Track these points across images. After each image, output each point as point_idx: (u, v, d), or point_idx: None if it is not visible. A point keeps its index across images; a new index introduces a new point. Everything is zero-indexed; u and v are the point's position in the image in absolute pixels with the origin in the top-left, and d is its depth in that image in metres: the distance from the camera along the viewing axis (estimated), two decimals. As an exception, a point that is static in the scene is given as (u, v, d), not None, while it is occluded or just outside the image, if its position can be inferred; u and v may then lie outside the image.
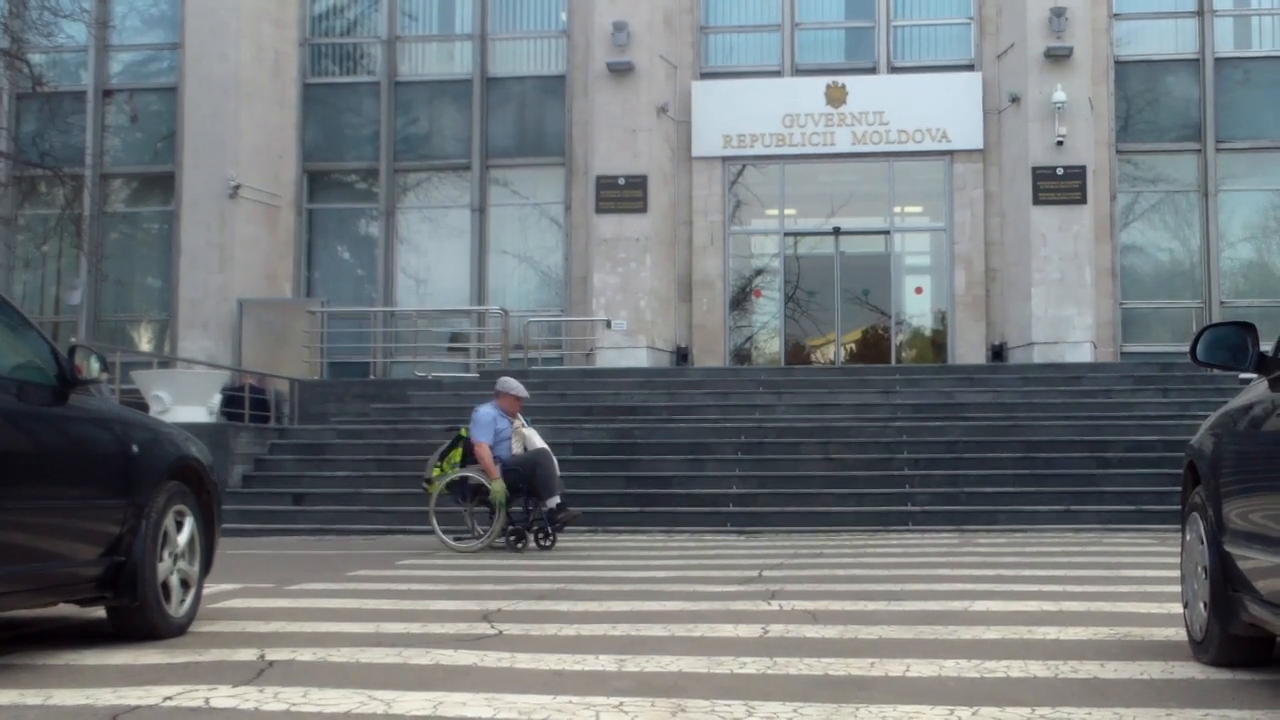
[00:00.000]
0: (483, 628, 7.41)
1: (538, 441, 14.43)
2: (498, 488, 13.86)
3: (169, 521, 7.22)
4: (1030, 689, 5.44)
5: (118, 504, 6.84)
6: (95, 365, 6.99)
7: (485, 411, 14.30)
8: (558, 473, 14.13)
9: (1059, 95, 24.84)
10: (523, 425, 14.53)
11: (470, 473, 14.10)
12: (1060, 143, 24.97)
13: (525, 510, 14.11)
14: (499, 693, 5.38)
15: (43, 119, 25.68)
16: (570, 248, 27.45)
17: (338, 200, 28.93)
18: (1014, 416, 20.38)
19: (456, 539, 14.26)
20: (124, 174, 28.85)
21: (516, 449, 14.23)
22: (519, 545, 13.89)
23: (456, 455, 14.27)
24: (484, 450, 14.01)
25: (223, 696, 5.33)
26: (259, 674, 5.87)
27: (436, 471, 14.31)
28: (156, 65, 28.80)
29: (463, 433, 14.38)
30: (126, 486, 6.91)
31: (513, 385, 14.70)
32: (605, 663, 6.12)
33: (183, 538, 7.38)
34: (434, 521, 14.33)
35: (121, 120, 28.38)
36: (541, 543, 14.00)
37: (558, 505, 13.95)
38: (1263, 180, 27.01)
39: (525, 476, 13.96)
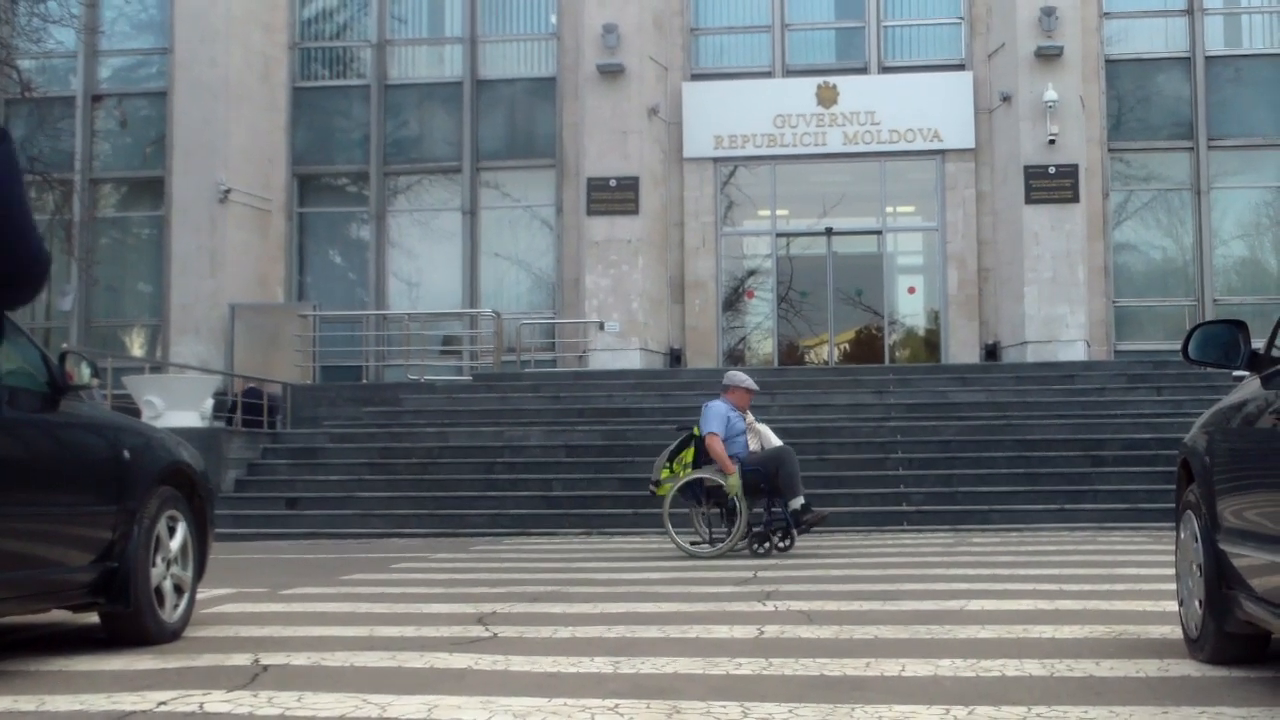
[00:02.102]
0: (477, 630, 7.39)
1: (773, 439, 13.74)
2: (733, 482, 12.98)
3: (162, 527, 7.20)
4: (1026, 688, 5.43)
5: (110, 510, 6.82)
6: (86, 371, 6.97)
7: (717, 406, 13.44)
8: (800, 471, 13.38)
9: (1050, 94, 24.86)
10: (755, 421, 13.82)
11: (706, 473, 13.21)
12: (1052, 141, 24.98)
13: (767, 511, 13.21)
14: (494, 695, 5.37)
15: (32, 124, 25.64)
16: (562, 250, 27.44)
17: (328, 204, 28.92)
18: (1008, 415, 20.39)
19: (693, 544, 13.36)
20: (114, 179, 28.83)
21: (754, 446, 13.47)
22: (762, 548, 13.02)
23: (688, 455, 13.36)
24: (717, 442, 13.11)
25: (217, 701, 5.31)
26: (253, 679, 5.85)
27: (665, 473, 13.42)
28: (146, 70, 28.76)
29: (695, 431, 13.43)
30: (119, 492, 6.89)
31: (742, 378, 13.85)
32: (600, 664, 6.10)
33: (175, 543, 7.36)
34: (669, 526, 13.41)
35: (111, 125, 28.34)
36: (779, 544, 13.11)
37: (803, 505, 13.14)
38: (1254, 178, 27.05)
39: (766, 475, 13.10)
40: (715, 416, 13.30)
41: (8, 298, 3.92)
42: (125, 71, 28.98)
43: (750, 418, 13.74)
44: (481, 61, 28.24)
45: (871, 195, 27.28)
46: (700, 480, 13.24)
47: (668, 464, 13.44)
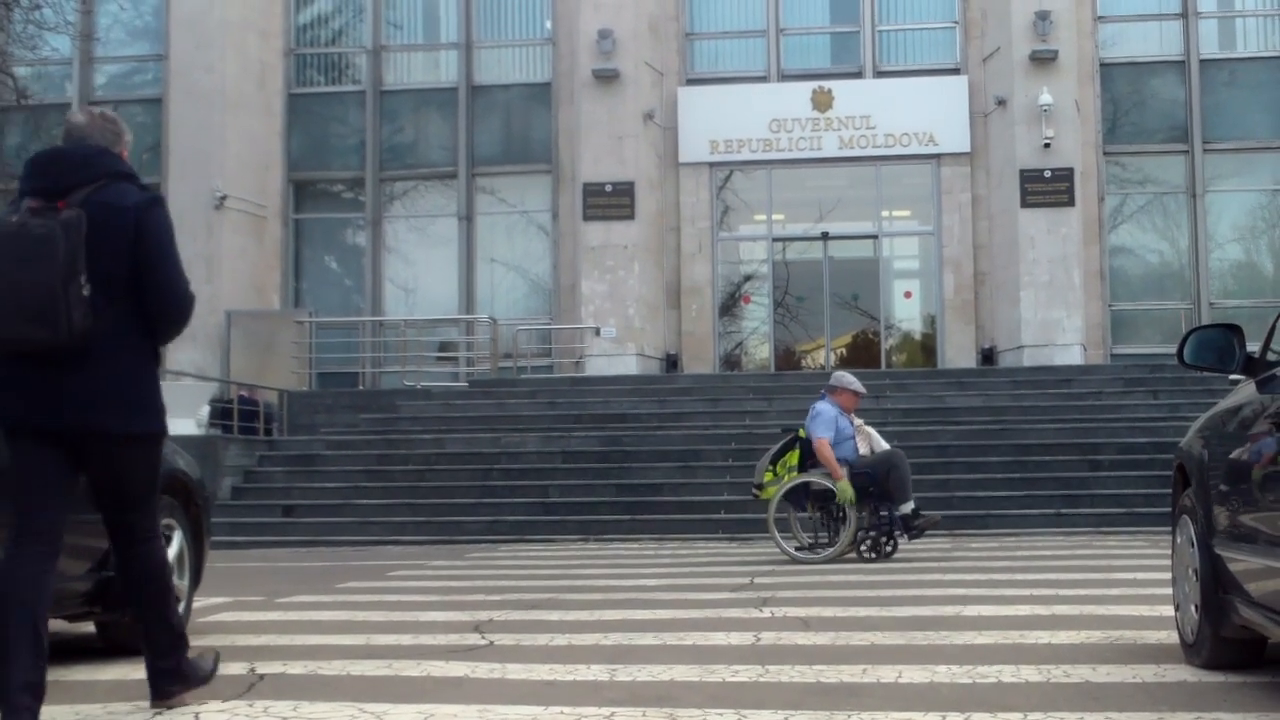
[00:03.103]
0: (474, 638, 7.39)
1: (882, 442, 13.53)
2: (844, 487, 12.73)
3: (158, 535, 7.18)
4: (1023, 694, 5.43)
5: (106, 518, 6.80)
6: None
7: (826, 408, 13.19)
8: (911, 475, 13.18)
9: (1045, 98, 24.87)
10: (864, 424, 13.62)
11: (813, 477, 13.00)
12: (1047, 145, 24.99)
13: (877, 516, 13.02)
14: (490, 704, 5.37)
15: (27, 132, 25.60)
16: (558, 255, 27.43)
17: (324, 210, 28.92)
18: (1004, 420, 20.39)
19: (797, 549, 13.15)
20: (110, 186, 28.76)
21: (863, 450, 13.23)
22: (873, 553, 12.87)
23: (793, 458, 13.12)
24: (827, 448, 12.87)
25: (213, 711, 5.31)
26: (249, 688, 5.85)
27: (769, 476, 13.19)
28: (141, 77, 28.76)
29: (800, 433, 13.23)
30: (114, 501, 6.87)
31: (850, 380, 13.59)
32: (597, 672, 6.10)
33: (172, 552, 7.34)
34: (774, 532, 13.10)
35: (106, 132, 28.28)
36: (884, 549, 12.95)
37: (913, 510, 12.96)
38: (1250, 181, 27.07)
39: (876, 479, 12.91)
40: (825, 420, 13.08)
41: (163, 332, 5.29)
42: (121, 78, 28.98)
43: (858, 420, 13.56)
44: (477, 67, 28.24)
45: (867, 200, 27.29)
46: (807, 484, 13.06)
47: (771, 467, 13.22)
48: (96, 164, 5.21)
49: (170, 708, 5.33)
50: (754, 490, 13.49)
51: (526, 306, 28.01)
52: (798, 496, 13.16)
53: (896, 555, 12.96)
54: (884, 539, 12.96)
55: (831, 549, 12.88)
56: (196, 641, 7.38)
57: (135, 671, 6.36)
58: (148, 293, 5.14)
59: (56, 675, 6.31)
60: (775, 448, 13.38)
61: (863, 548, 12.90)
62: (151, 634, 5.30)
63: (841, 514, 12.95)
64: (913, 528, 12.95)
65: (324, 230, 28.88)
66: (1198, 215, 26.54)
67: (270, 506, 19.22)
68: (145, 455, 5.34)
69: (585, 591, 10.22)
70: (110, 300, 5.02)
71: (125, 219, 5.08)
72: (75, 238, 4.91)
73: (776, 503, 13.10)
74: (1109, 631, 7.16)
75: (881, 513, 12.98)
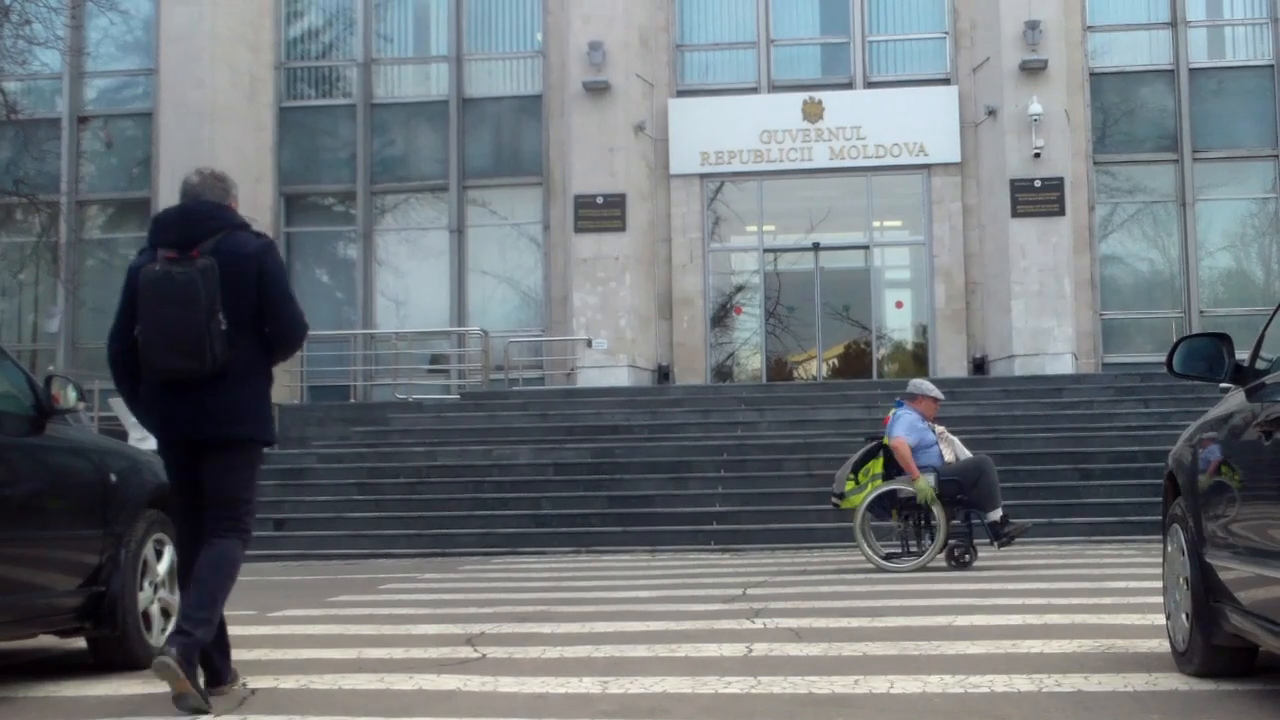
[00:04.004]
0: (466, 651, 7.38)
1: (964, 449, 13.42)
2: (923, 486, 12.72)
3: (149, 550, 7.20)
4: (1015, 704, 5.43)
5: (96, 534, 6.81)
6: (72, 394, 6.96)
7: (907, 414, 13.16)
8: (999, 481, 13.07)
9: (1035, 107, 24.91)
10: (945, 431, 13.56)
11: (901, 484, 12.95)
12: (1037, 155, 25.03)
13: (967, 523, 12.91)
14: (482, 717, 5.37)
15: (17, 146, 25.59)
16: (549, 267, 27.43)
17: (315, 223, 28.90)
18: (996, 429, 20.39)
19: (885, 557, 13.02)
20: (100, 200, 28.78)
21: (948, 456, 13.14)
22: (964, 561, 12.75)
23: (876, 466, 13.01)
24: (904, 446, 12.83)
25: (204, 726, 5.30)
26: (241, 702, 5.84)
27: (850, 484, 13.07)
28: (131, 91, 28.74)
29: (885, 440, 13.09)
30: (105, 516, 6.88)
31: (929, 387, 13.62)
32: (589, 685, 6.10)
33: (163, 566, 7.35)
34: (862, 540, 12.98)
35: (97, 146, 28.29)
36: (963, 558, 12.80)
37: (1002, 517, 12.88)
38: (1240, 189, 27.11)
39: (965, 486, 12.83)
40: (904, 423, 13.05)
41: (282, 355, 6.27)
42: (111, 93, 28.96)
43: (941, 428, 13.50)
44: (467, 80, 28.25)
45: (858, 210, 27.30)
46: (893, 492, 12.99)
47: (852, 475, 13.12)
48: (218, 218, 6.16)
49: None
50: (833, 499, 13.36)
51: (518, 318, 28.00)
52: (880, 504, 13.06)
53: (929, 565, 12.83)
54: (966, 548, 12.88)
55: (922, 556, 12.80)
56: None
57: (126, 687, 6.36)
58: (271, 323, 6.14)
59: (47, 691, 6.31)
60: (856, 456, 13.25)
61: (954, 555, 12.82)
62: (196, 613, 5.78)
63: (927, 522, 12.91)
64: (1002, 535, 12.88)
65: (315, 243, 28.86)
66: (1188, 224, 26.58)
67: (261, 520, 19.07)
68: (256, 457, 6.36)
69: (577, 603, 10.21)
70: (240, 332, 6.01)
71: (249, 264, 6.05)
72: (212, 282, 5.91)
73: (864, 511, 12.99)
74: (1101, 640, 7.16)
75: (974, 520, 12.92)
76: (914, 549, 13.02)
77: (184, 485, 6.22)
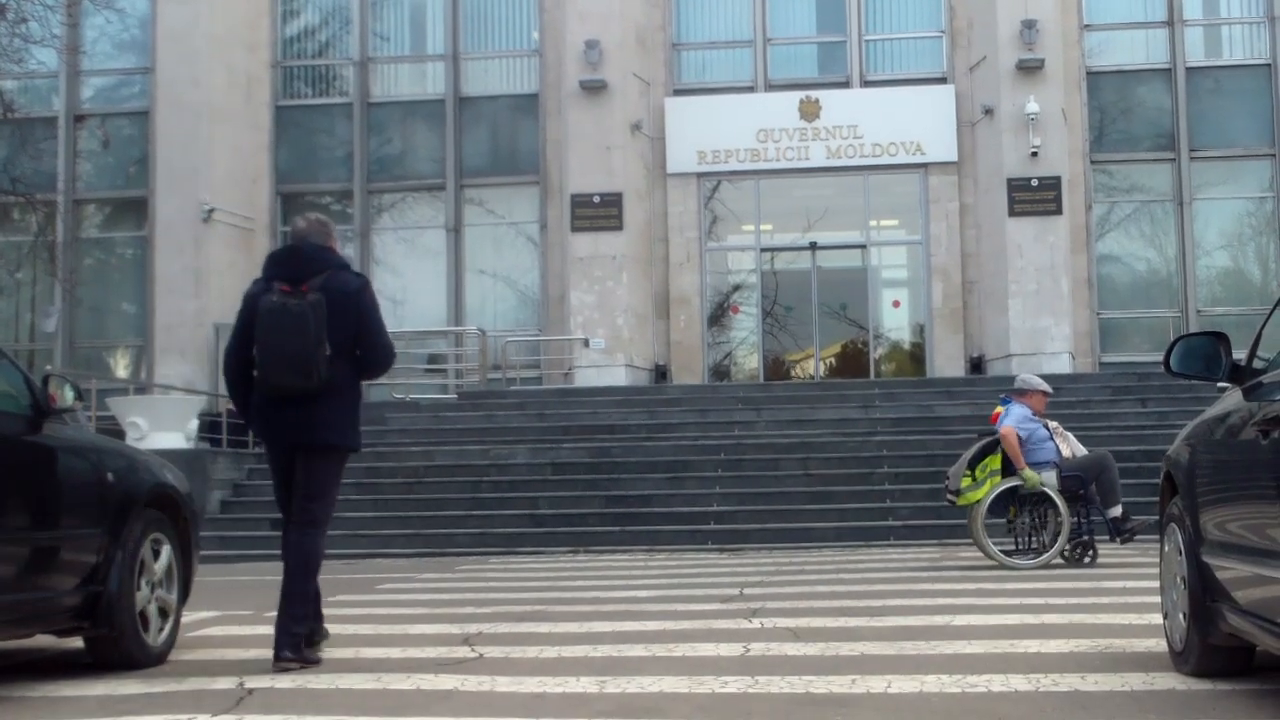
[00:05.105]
0: (463, 651, 7.38)
1: (1079, 445, 13.32)
2: (1029, 475, 12.65)
3: (146, 550, 7.19)
4: (1012, 703, 5.44)
5: (94, 533, 6.80)
6: (69, 394, 6.96)
7: (1020, 409, 13.12)
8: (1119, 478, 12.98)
9: (1032, 106, 24.91)
10: (1060, 426, 13.45)
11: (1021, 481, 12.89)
12: (1034, 154, 25.03)
13: (1087, 520, 12.84)
14: (480, 717, 5.37)
15: (14, 145, 25.53)
16: (546, 266, 27.42)
17: (312, 222, 28.84)
18: (993, 429, 20.37)
19: (1006, 553, 12.88)
20: (97, 199, 28.76)
21: (1065, 452, 13.04)
22: (1085, 558, 12.71)
23: (994, 462, 12.91)
24: (1012, 435, 12.75)
25: (201, 726, 5.30)
26: (238, 702, 5.84)
27: (967, 480, 12.95)
28: (128, 90, 28.71)
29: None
30: (103, 515, 6.88)
31: (1038, 381, 13.51)
32: (586, 684, 6.10)
33: (160, 566, 7.35)
34: (983, 538, 12.98)
35: (94, 146, 28.25)
36: (1082, 558, 12.77)
37: (1123, 513, 12.75)
38: (1237, 188, 27.12)
39: (1086, 482, 12.74)
40: (1015, 415, 12.98)
41: (372, 377, 7.57)
42: (107, 91, 28.93)
43: (1055, 424, 13.40)
44: (464, 78, 28.24)
45: (855, 209, 27.30)
46: (1015, 488, 12.90)
47: (969, 471, 13.01)
48: (324, 258, 7.30)
49: (284, 670, 6.71)
50: (949, 496, 13.28)
51: (515, 318, 28.00)
52: (999, 501, 12.97)
53: (883, 564, 12.90)
54: (1085, 546, 12.80)
55: (1045, 554, 12.69)
56: (185, 656, 7.40)
57: (123, 686, 6.36)
58: (364, 350, 7.29)
59: (45, 691, 6.31)
60: (971, 451, 13.14)
61: (1075, 552, 12.74)
62: (291, 600, 7.12)
63: (1044, 519, 12.84)
64: (1123, 531, 12.77)
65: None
66: (1185, 223, 26.59)
67: (259, 520, 19.13)
68: (339, 461, 7.38)
69: (574, 603, 10.21)
70: (338, 356, 7.09)
71: (350, 301, 7.17)
72: (320, 314, 7.00)
73: (985, 508, 12.90)
74: (1098, 640, 7.16)
75: (1093, 517, 12.84)
76: (1034, 545, 12.93)
77: (285, 483, 7.35)
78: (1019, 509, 13.03)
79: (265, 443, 7.46)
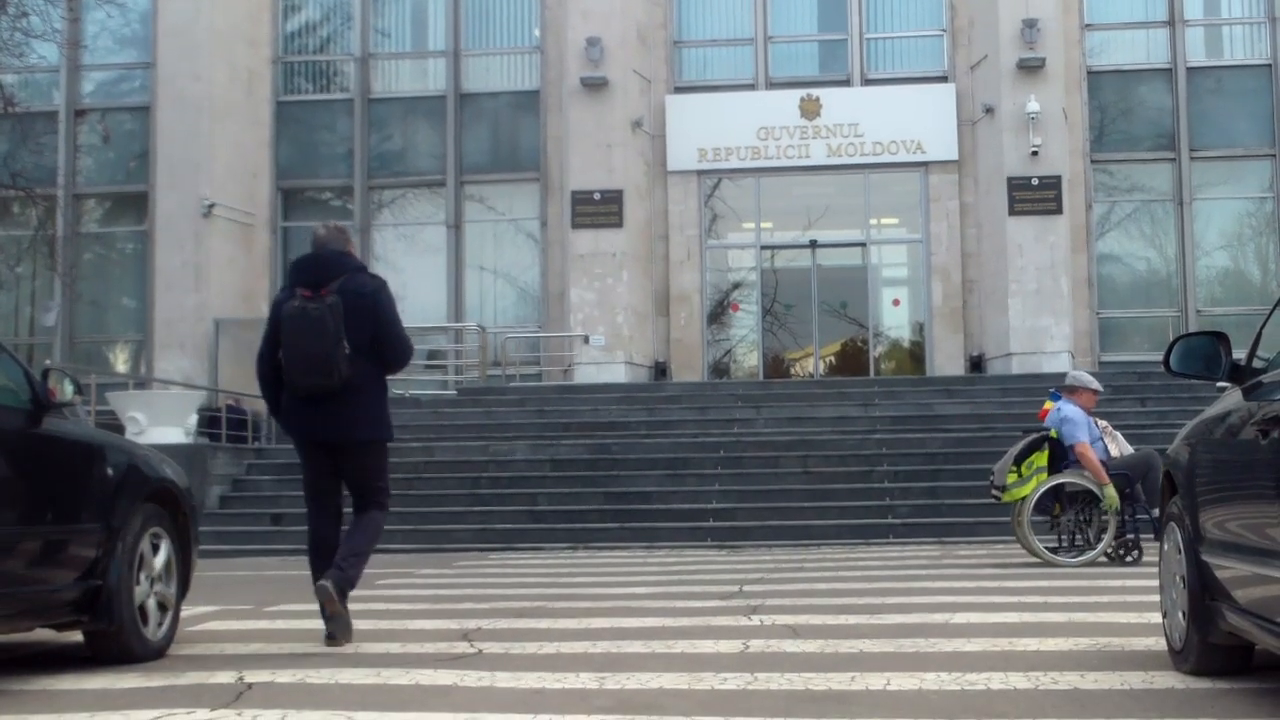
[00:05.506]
0: (462, 647, 7.38)
1: (1126, 444, 13.27)
2: (1111, 494, 12.54)
3: (145, 544, 7.18)
4: (1011, 701, 5.43)
5: (93, 527, 6.79)
6: (69, 388, 6.95)
7: (1074, 411, 12.88)
8: None
9: (1033, 106, 24.92)
10: (1109, 425, 13.39)
11: (1069, 478, 12.79)
12: (1035, 153, 25.03)
13: (1133, 518, 12.74)
14: (479, 712, 5.36)
15: (14, 139, 25.55)
16: (547, 263, 27.43)
17: (313, 218, 28.76)
18: (993, 428, 20.39)
19: (1051, 550, 12.84)
20: (97, 194, 28.76)
21: (1113, 451, 12.99)
22: (1129, 557, 12.59)
23: (1040, 459, 12.85)
24: (1090, 453, 12.62)
25: (201, 719, 5.30)
26: (238, 696, 5.83)
27: (1013, 477, 12.89)
28: (129, 84, 28.72)
29: (1053, 434, 12.94)
30: (102, 510, 6.86)
31: (1089, 379, 13.37)
32: (585, 680, 6.09)
33: (159, 560, 7.34)
34: (1030, 534, 12.91)
35: (94, 140, 28.27)
36: (1125, 556, 12.66)
37: None
38: (1237, 188, 27.13)
39: (1132, 481, 12.66)
40: (1080, 423, 12.83)
41: (392, 372, 8.07)
42: (108, 86, 28.94)
43: (1104, 423, 13.35)
44: (465, 75, 28.25)
45: (855, 208, 27.31)
46: (1059, 486, 12.87)
47: (1015, 467, 12.95)
48: (342, 263, 7.84)
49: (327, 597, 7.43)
50: (994, 492, 13.22)
51: (515, 314, 28.02)
52: (1044, 498, 12.92)
53: (883, 562, 12.91)
54: (1130, 545, 12.74)
55: (1091, 552, 12.64)
56: (184, 650, 7.40)
57: (122, 680, 6.36)
58: (383, 348, 7.79)
59: (44, 685, 6.31)
60: (1017, 448, 13.08)
61: (1122, 551, 12.71)
62: (347, 560, 7.60)
63: (1089, 517, 12.83)
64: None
65: (312, 239, 28.78)
66: (1185, 223, 26.60)
67: (258, 515, 19.19)
68: (381, 452, 8.15)
69: (574, 599, 10.21)
70: (359, 354, 7.62)
71: (366, 301, 7.66)
72: (338, 316, 7.52)
73: (1031, 505, 12.85)
74: (1097, 638, 7.16)
75: (1139, 516, 12.78)
76: (1078, 543, 12.91)
77: (314, 477, 7.89)
78: (1064, 506, 13.01)
79: (295, 440, 7.94)
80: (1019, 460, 12.96)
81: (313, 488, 7.93)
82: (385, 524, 8.25)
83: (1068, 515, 13.05)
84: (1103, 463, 12.78)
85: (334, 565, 7.51)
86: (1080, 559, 12.62)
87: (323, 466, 7.88)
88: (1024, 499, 12.94)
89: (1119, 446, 13.28)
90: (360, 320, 7.61)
